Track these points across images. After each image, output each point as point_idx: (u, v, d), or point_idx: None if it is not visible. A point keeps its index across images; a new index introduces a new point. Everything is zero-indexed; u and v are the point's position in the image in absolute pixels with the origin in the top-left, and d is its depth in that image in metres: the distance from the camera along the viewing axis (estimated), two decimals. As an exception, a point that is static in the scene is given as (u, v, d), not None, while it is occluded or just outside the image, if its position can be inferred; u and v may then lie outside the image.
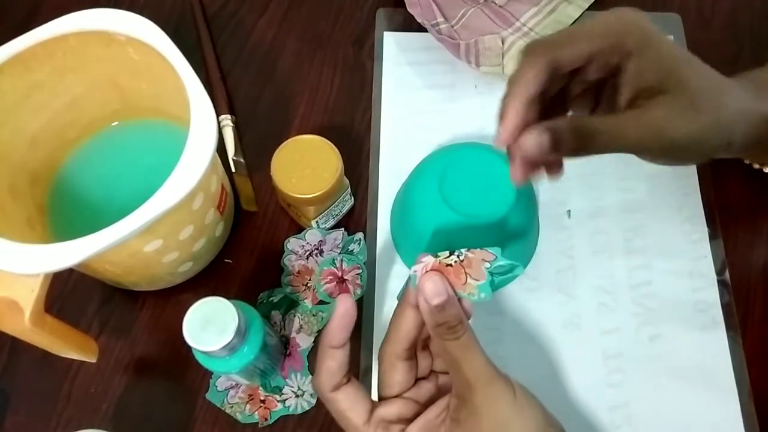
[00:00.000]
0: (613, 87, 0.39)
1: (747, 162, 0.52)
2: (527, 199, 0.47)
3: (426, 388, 0.39)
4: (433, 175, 0.46)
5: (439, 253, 0.37)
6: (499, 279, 0.37)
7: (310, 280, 0.51)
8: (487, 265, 0.37)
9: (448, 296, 0.36)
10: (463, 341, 0.35)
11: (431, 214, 0.46)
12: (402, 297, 0.39)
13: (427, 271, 0.37)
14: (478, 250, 0.37)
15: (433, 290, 0.35)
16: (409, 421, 0.37)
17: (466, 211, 0.44)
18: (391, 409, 0.37)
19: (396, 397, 0.38)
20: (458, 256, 0.37)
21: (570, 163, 0.54)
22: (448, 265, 0.37)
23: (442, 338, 0.36)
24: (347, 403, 0.37)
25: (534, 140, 0.35)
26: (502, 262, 0.37)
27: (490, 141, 0.54)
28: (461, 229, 0.44)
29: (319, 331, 0.49)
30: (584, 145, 0.36)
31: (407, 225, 0.50)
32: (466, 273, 0.37)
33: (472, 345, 0.36)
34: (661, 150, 0.37)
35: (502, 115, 0.37)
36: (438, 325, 0.36)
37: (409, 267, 0.51)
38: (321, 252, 0.52)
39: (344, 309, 0.37)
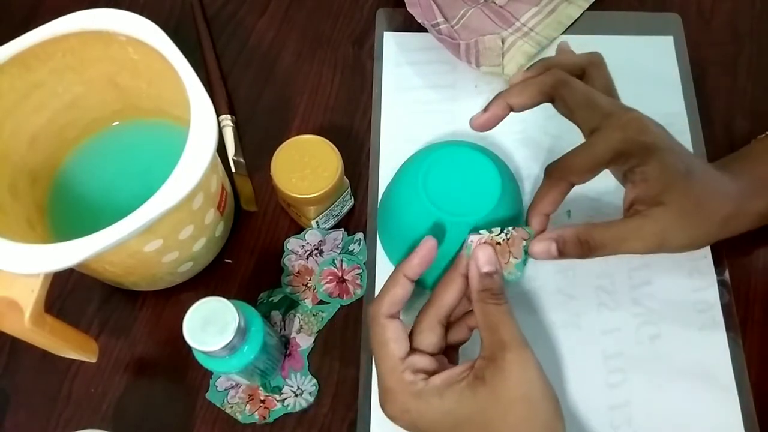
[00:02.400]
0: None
1: None
2: (512, 196, 0.47)
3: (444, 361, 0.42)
4: (417, 173, 0.46)
5: (492, 229, 0.41)
6: (529, 258, 0.41)
7: (310, 280, 0.51)
8: (524, 243, 0.40)
9: (496, 268, 0.41)
10: (504, 308, 0.39)
11: (416, 213, 0.46)
12: (452, 267, 0.42)
13: (480, 243, 0.41)
14: (519, 227, 0.41)
15: (485, 259, 0.41)
16: (431, 374, 0.39)
17: (451, 209, 0.44)
18: (423, 361, 0.40)
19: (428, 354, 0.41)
20: (506, 234, 0.41)
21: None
22: (497, 243, 0.41)
23: (486, 302, 0.40)
24: (395, 334, 0.40)
25: (543, 248, 0.41)
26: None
27: (490, 141, 0.55)
28: (446, 227, 0.44)
29: (320, 332, 0.49)
30: (587, 253, 0.41)
31: (392, 223, 0.50)
32: (509, 252, 0.41)
33: (510, 312, 0.40)
34: (661, 252, 0.41)
35: (528, 220, 0.45)
36: (484, 289, 0.40)
37: (395, 264, 0.51)
38: (321, 252, 0.52)
39: (430, 246, 0.41)
